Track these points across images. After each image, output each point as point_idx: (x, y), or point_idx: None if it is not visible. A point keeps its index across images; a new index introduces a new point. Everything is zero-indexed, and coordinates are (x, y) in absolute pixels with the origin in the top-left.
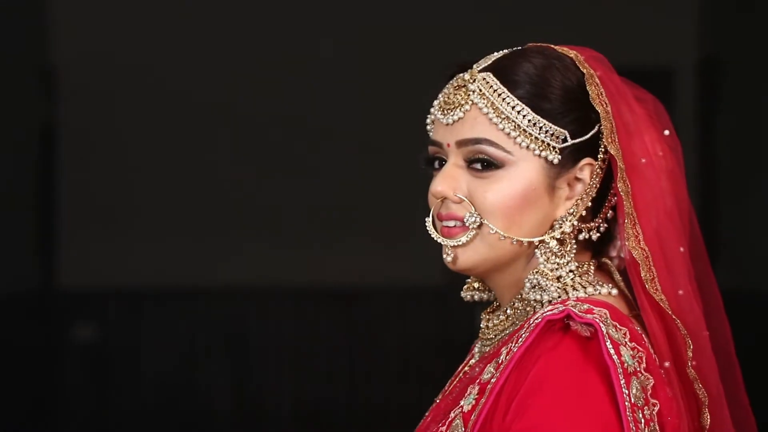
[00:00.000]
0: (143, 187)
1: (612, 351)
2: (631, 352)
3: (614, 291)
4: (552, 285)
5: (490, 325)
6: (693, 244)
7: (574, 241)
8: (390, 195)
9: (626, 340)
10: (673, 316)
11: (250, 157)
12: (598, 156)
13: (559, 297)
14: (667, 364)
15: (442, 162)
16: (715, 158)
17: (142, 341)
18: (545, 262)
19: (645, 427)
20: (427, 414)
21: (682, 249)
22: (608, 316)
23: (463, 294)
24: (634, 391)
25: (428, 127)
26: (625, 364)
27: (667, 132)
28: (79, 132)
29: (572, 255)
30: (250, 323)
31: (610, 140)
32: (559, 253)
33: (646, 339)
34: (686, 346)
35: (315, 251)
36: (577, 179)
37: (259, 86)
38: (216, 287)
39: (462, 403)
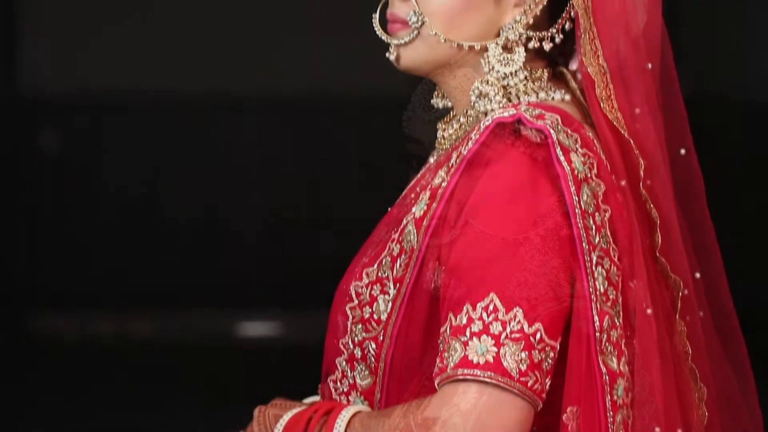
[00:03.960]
0: None
1: (562, 158)
2: (582, 159)
3: (567, 96)
4: (497, 94)
5: (446, 135)
6: (662, 65)
7: (522, 49)
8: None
9: (577, 146)
10: (627, 136)
11: None
12: None
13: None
14: (623, 182)
15: None
16: None
17: (105, 151)
18: (490, 71)
19: (596, 233)
20: (379, 223)
21: (650, 66)
22: (559, 121)
23: (433, 101)
24: (584, 197)
25: None
26: (576, 171)
27: None
28: None
29: (521, 63)
30: (214, 134)
31: None
32: (503, 61)
33: (597, 146)
34: (639, 166)
35: (277, 62)
36: None
37: None
38: (179, 98)
39: (414, 209)
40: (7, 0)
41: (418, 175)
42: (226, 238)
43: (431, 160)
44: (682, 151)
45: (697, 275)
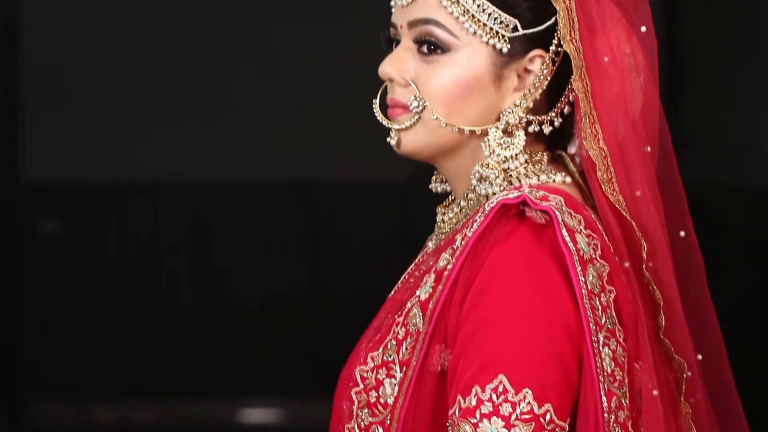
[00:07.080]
0: (106, 76)
1: (567, 238)
2: (587, 240)
3: (568, 179)
4: (498, 177)
5: (446, 219)
6: (661, 147)
7: (522, 133)
8: (359, 85)
9: (581, 227)
10: (629, 218)
11: (219, 51)
12: (550, 48)
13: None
14: (626, 264)
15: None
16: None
17: (106, 235)
18: (491, 154)
19: (602, 314)
20: (381, 309)
21: (649, 149)
22: (563, 203)
23: (431, 186)
24: (590, 278)
25: (392, 9)
26: (581, 252)
27: (644, 28)
28: (43, 24)
29: (521, 147)
30: (216, 217)
31: (569, 37)
32: (503, 145)
33: (600, 227)
34: (641, 248)
35: (279, 144)
36: (527, 71)
37: None
38: (181, 181)
39: (418, 293)
40: (9, 89)
41: (417, 260)
42: (226, 324)
43: (430, 244)
44: (682, 233)
45: (699, 357)
